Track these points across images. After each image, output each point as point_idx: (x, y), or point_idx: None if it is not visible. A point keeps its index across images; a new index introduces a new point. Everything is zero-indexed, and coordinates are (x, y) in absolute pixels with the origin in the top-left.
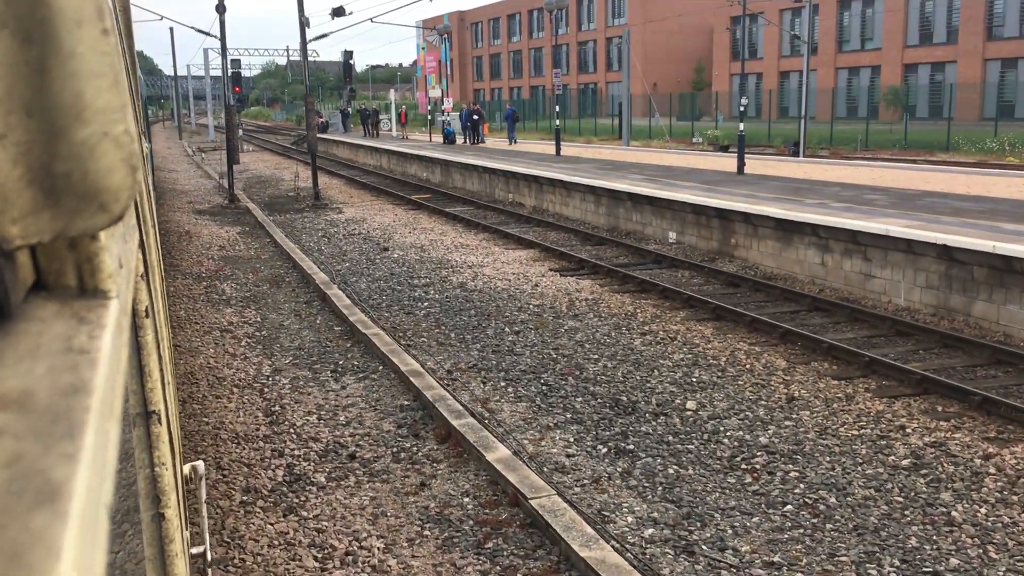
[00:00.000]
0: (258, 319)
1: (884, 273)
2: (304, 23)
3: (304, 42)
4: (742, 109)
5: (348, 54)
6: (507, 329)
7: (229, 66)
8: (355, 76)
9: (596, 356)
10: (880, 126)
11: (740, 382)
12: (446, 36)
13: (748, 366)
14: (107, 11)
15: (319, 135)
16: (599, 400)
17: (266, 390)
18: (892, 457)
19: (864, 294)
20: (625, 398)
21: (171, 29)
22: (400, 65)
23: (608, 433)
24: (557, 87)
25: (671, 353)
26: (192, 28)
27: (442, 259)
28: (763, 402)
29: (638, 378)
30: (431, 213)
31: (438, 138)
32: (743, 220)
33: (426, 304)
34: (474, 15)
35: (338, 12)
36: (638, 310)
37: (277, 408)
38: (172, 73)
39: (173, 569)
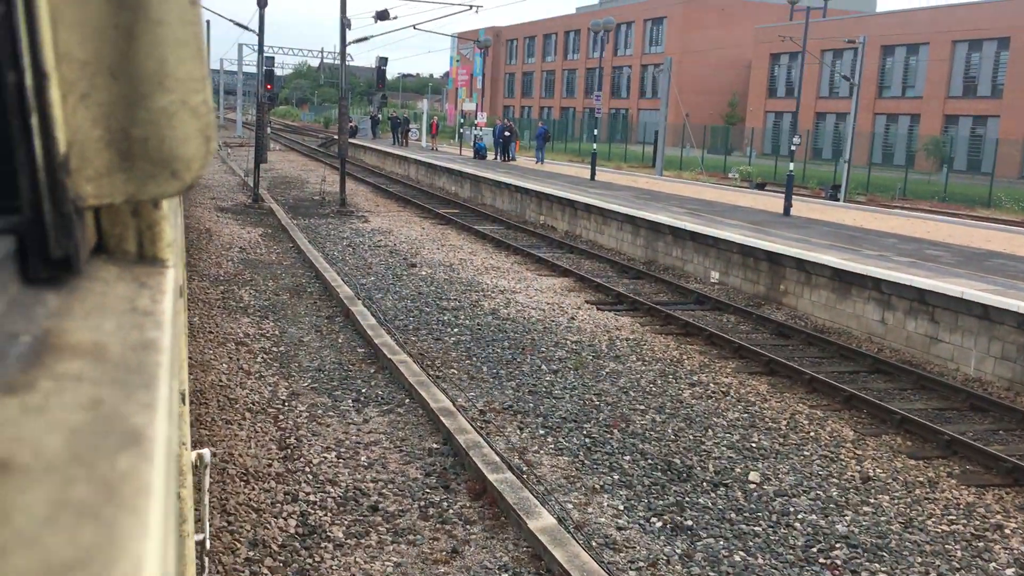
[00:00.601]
0: (276, 332)
1: (953, 338)
2: (345, 24)
3: (344, 44)
4: (793, 148)
5: (383, 60)
6: (544, 367)
7: (264, 63)
8: (386, 83)
9: (643, 407)
10: (918, 175)
11: (805, 452)
12: (480, 50)
13: (812, 433)
14: None
15: (350, 140)
16: (649, 461)
17: (281, 417)
18: (993, 564)
19: (928, 359)
20: (679, 461)
21: (208, 22)
22: (431, 76)
23: (662, 503)
24: (597, 110)
25: (724, 410)
26: (231, 21)
27: (472, 281)
28: (834, 479)
29: (691, 437)
30: (459, 229)
31: (468, 152)
32: (796, 266)
33: (456, 330)
34: (510, 32)
35: (382, 16)
36: (684, 356)
37: (292, 440)
38: None
39: (182, 549)
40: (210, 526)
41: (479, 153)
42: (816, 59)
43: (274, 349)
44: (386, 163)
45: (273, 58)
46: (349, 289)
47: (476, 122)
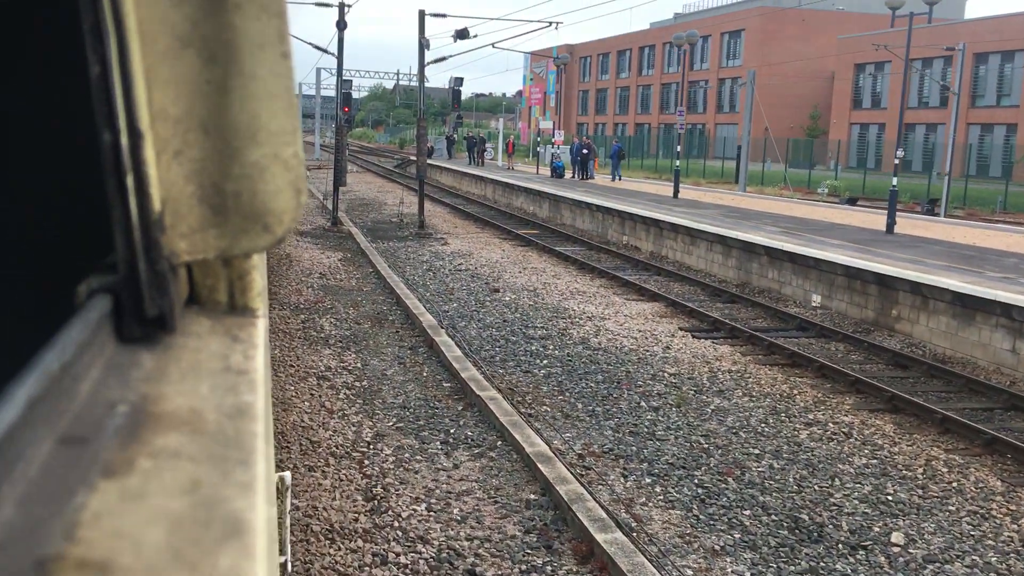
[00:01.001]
0: (358, 365)
1: None
2: (424, 45)
3: (422, 64)
4: (896, 161)
5: (457, 81)
6: (643, 403)
7: (342, 86)
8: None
9: (756, 451)
10: (1017, 188)
11: (950, 507)
12: (554, 68)
13: (954, 484)
14: (287, 35)
15: None
16: (773, 516)
17: (367, 463)
18: None
19: None
20: (806, 517)
21: None
22: (503, 95)
23: (794, 568)
24: (680, 125)
25: (849, 455)
26: (311, 44)
27: (558, 307)
28: (990, 542)
29: (816, 488)
30: (540, 251)
31: (545, 170)
32: (911, 290)
33: (545, 362)
34: (583, 49)
35: (462, 35)
36: (795, 391)
37: (379, 489)
38: None
39: None
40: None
41: (556, 172)
42: (902, 69)
43: (357, 384)
44: (462, 183)
45: (351, 81)
46: (432, 317)
47: (553, 140)
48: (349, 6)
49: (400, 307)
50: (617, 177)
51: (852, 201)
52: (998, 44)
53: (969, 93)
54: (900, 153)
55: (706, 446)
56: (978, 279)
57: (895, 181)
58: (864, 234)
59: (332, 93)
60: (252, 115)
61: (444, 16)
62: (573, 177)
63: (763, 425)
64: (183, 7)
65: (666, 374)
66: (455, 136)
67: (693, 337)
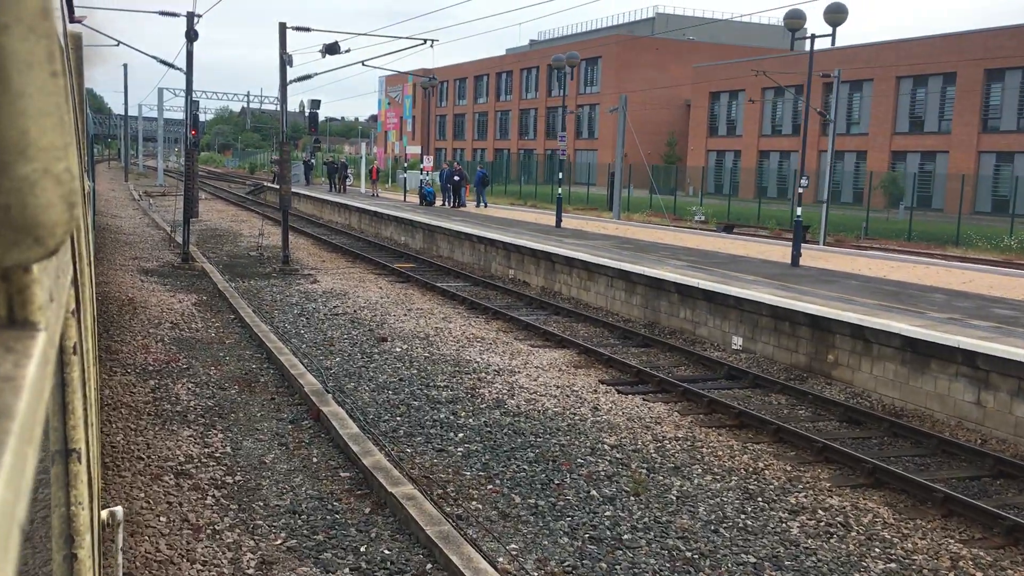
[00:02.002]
0: (228, 450)
1: None
2: (286, 61)
3: (284, 82)
4: (800, 191)
5: (315, 103)
6: (593, 492)
7: (191, 106)
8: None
9: (751, 557)
10: (876, 213)
11: None
12: (410, 93)
13: None
14: (58, 55)
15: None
16: None
17: None
18: None
19: None
20: None
21: (124, 65)
22: (356, 119)
23: None
24: (561, 151)
25: (860, 557)
26: (154, 58)
27: (458, 358)
28: None
29: None
30: (423, 288)
31: (413, 198)
32: (851, 334)
33: (460, 435)
34: (440, 74)
35: (331, 49)
36: (759, 462)
37: None
38: (122, 111)
39: None
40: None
41: (427, 199)
42: (757, 99)
43: (228, 480)
44: (324, 211)
45: (198, 102)
46: (313, 377)
47: (422, 166)
48: (199, 16)
49: (272, 364)
50: (483, 204)
51: (728, 228)
52: (848, 74)
53: (818, 123)
54: (805, 182)
55: (688, 553)
56: (924, 320)
57: (799, 211)
58: (771, 267)
59: (174, 115)
60: (21, 132)
61: (308, 30)
62: (444, 204)
63: (742, 516)
64: None
65: (606, 446)
66: (312, 161)
67: (619, 392)
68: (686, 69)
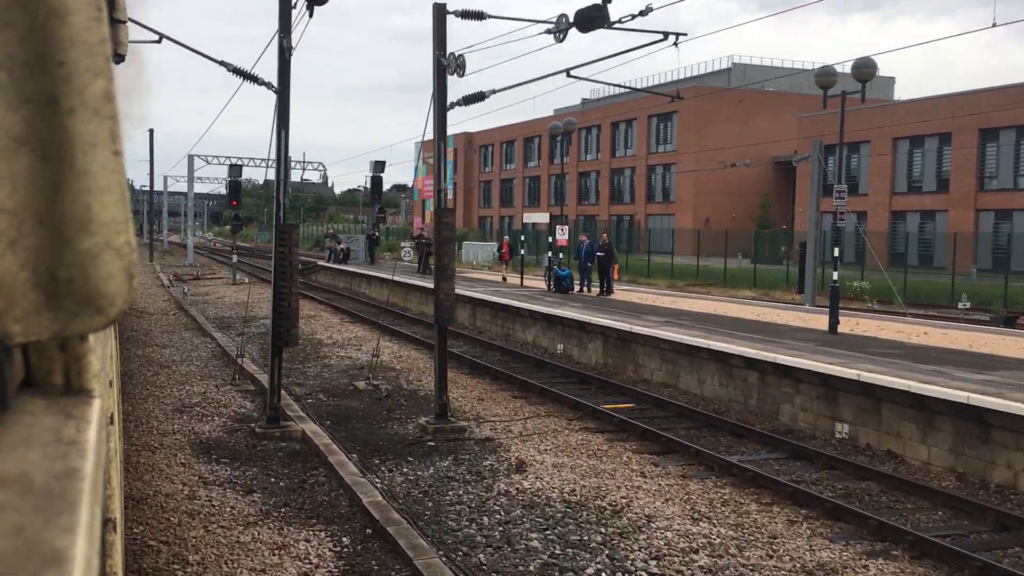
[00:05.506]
0: None
1: None
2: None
3: (445, 123)
4: None
5: (379, 165)
6: None
7: (231, 171)
8: (336, 199)
9: None
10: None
11: None
12: (451, 159)
13: None
14: (120, 135)
15: (338, 266)
16: None
17: None
18: None
19: None
20: None
21: (151, 131)
22: (393, 187)
23: None
24: (840, 216)
25: None
26: (229, 67)
27: None
28: None
29: None
30: (689, 462)
31: (537, 281)
32: None
33: None
34: (481, 138)
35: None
36: None
37: None
38: (147, 183)
39: None
40: None
41: (561, 284)
42: (888, 150)
43: None
44: (411, 301)
45: (240, 167)
46: None
47: (555, 239)
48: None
49: None
50: (606, 288)
51: (1010, 321)
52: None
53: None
54: None
55: None
56: None
57: None
58: None
59: (201, 188)
60: (84, 207)
61: None
62: (582, 290)
63: None
64: (20, 111)
65: None
66: (377, 234)
67: None
68: (775, 122)
